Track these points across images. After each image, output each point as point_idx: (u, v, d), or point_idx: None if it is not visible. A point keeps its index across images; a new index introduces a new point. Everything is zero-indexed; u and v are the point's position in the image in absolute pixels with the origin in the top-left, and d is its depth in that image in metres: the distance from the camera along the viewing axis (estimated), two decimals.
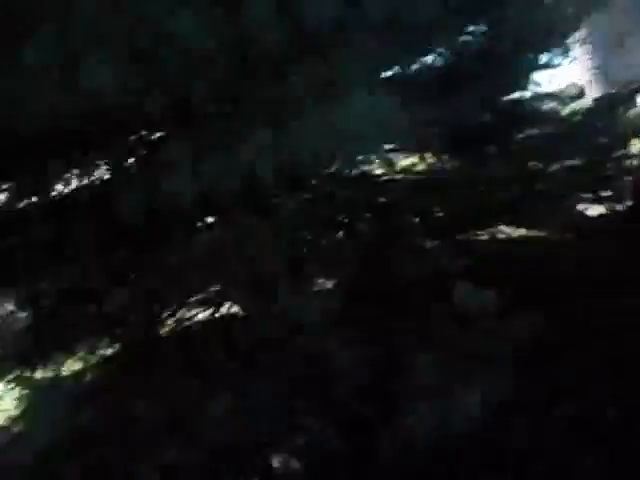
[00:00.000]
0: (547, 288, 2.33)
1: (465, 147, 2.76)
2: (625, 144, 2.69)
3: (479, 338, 1.56)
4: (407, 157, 2.71)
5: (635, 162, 2.68)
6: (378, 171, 2.58)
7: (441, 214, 2.35)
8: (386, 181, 2.48)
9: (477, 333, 1.55)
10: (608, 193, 2.70)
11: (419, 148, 2.46)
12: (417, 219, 2.18)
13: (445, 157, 2.80)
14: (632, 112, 2.87)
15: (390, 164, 2.46)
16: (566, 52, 2.49)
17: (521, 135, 2.53)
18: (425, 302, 1.77)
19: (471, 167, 2.65)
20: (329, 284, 2.27)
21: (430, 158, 2.81)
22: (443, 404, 1.19)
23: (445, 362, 1.40)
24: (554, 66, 2.56)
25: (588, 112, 2.57)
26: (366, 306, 1.94)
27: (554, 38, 2.26)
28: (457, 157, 2.73)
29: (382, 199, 2.21)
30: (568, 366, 1.86)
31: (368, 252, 2.07)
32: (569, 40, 2.50)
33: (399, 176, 2.54)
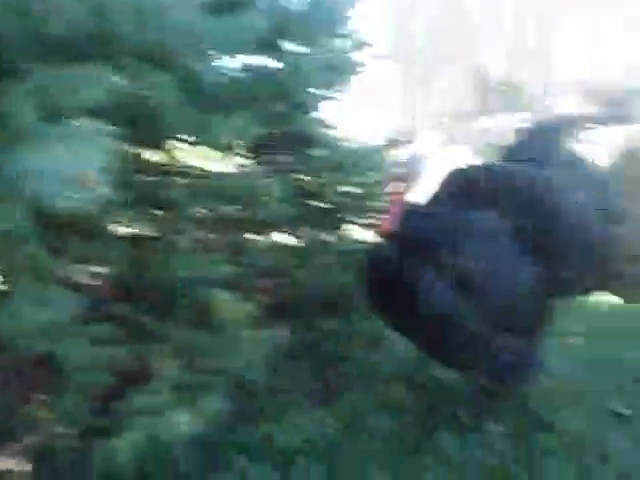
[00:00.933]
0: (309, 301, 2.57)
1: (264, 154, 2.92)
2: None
3: (227, 347, 1.63)
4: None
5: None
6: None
7: (217, 218, 2.38)
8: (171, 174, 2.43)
9: (226, 342, 1.62)
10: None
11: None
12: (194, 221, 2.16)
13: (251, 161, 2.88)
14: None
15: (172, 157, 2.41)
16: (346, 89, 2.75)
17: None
18: (180, 309, 1.77)
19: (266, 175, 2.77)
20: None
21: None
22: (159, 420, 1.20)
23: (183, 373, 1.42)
24: (336, 99, 2.82)
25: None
26: (125, 307, 1.86)
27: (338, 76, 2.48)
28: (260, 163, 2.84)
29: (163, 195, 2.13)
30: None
31: (135, 251, 1.99)
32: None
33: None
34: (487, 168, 1.85)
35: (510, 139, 1.95)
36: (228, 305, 1.77)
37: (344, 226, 3.16)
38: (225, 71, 1.95)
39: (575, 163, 1.76)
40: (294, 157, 2.89)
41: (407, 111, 18.65)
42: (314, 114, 2.93)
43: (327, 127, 3.05)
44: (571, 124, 1.89)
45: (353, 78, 2.87)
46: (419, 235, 1.57)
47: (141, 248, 1.90)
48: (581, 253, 1.64)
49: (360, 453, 1.67)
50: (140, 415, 1.19)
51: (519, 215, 1.58)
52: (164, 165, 2.44)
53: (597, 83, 17.84)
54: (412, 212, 1.61)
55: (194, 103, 1.80)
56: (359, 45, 2.82)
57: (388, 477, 1.55)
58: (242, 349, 1.60)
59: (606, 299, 2.55)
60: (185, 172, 2.44)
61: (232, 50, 1.83)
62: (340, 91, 2.86)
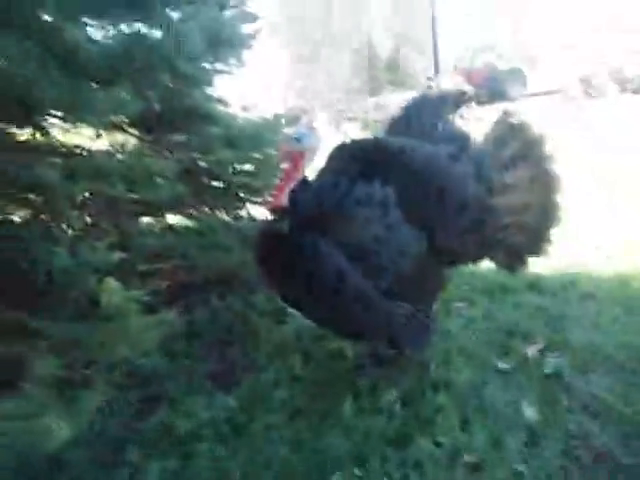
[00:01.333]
0: (198, 283, 2.50)
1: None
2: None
3: (115, 337, 1.53)
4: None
5: None
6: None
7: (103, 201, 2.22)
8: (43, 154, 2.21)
9: (113, 332, 1.52)
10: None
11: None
12: (72, 206, 1.98)
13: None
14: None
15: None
16: (240, 63, 2.67)
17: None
18: (59, 301, 1.63)
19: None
20: None
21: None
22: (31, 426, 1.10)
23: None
24: (229, 73, 2.73)
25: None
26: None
27: (229, 49, 2.40)
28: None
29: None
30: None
31: (5, 240, 1.79)
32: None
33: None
34: (372, 142, 1.88)
35: (395, 114, 2.02)
36: (116, 293, 1.67)
37: (241, 204, 3.11)
38: (98, 39, 1.80)
39: (456, 137, 1.85)
40: (187, 134, 2.77)
41: (298, 88, 18.75)
42: (207, 89, 2.82)
43: (221, 103, 2.96)
44: (452, 101, 1.99)
45: (245, 52, 2.80)
46: (309, 209, 1.58)
47: (11, 236, 1.72)
48: (463, 223, 1.72)
49: (263, 430, 1.68)
50: (10, 421, 1.07)
51: (404, 187, 1.63)
52: (38, 144, 2.22)
53: (478, 64, 18.97)
54: (300, 188, 1.61)
55: (67, 75, 1.64)
56: (250, 17, 2.75)
57: (290, 450, 1.58)
58: (132, 337, 1.51)
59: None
60: (63, 152, 2.24)
61: (101, 13, 1.67)
62: (234, 65, 2.79)
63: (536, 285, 2.60)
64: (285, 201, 1.59)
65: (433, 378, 1.86)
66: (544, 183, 1.79)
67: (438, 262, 1.80)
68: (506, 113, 1.91)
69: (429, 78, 18.39)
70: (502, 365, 1.91)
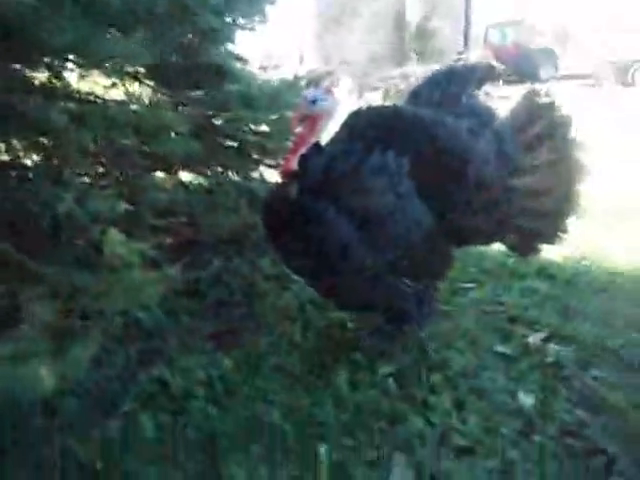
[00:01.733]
0: (205, 242, 2.48)
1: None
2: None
3: (116, 288, 1.52)
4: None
5: None
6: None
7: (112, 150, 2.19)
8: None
9: (114, 283, 1.51)
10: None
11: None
12: (82, 152, 1.95)
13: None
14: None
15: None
16: (262, 18, 2.58)
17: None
18: (63, 247, 1.63)
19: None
20: None
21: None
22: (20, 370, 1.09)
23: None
24: (251, 29, 2.65)
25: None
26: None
27: (251, 2, 2.31)
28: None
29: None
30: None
31: (12, 181, 1.78)
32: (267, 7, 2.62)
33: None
34: (391, 109, 1.82)
35: (417, 84, 1.95)
36: (119, 244, 1.65)
37: (254, 166, 3.07)
38: None
39: (479, 112, 1.77)
40: (204, 90, 2.71)
41: (324, 51, 18.37)
42: (228, 46, 2.74)
43: (241, 61, 2.88)
44: (480, 75, 1.90)
45: (268, 9, 2.71)
46: (320, 175, 1.54)
47: (18, 178, 1.70)
48: (478, 202, 1.65)
49: (256, 394, 1.68)
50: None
51: (420, 158, 1.57)
52: (52, 88, 2.18)
53: (509, 41, 18.36)
54: (312, 152, 1.56)
55: (84, 18, 1.58)
56: None
57: (281, 415, 1.58)
58: (132, 290, 1.50)
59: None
60: (76, 97, 2.20)
61: None
62: (256, 21, 2.70)
63: (547, 272, 2.55)
64: (296, 165, 1.54)
65: (431, 358, 1.84)
66: (567, 168, 1.72)
67: (447, 240, 1.75)
68: (533, 91, 1.82)
69: (459, 52, 17.90)
70: (502, 350, 1.89)
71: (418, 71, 11.80)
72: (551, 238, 1.79)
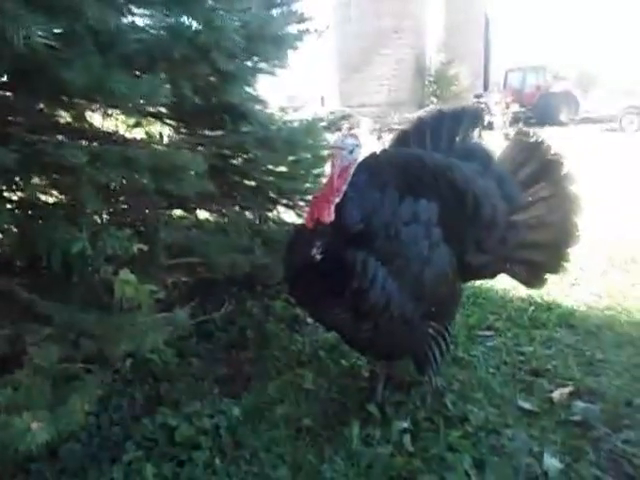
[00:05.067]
0: (218, 282, 2.45)
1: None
2: (322, 163, 3.00)
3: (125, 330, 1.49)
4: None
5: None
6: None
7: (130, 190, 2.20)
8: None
9: (123, 325, 1.48)
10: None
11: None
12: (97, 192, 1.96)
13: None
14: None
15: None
16: (283, 63, 2.62)
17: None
18: (80, 286, 1.61)
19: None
20: None
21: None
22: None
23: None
24: (272, 73, 2.69)
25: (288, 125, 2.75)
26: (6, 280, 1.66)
27: (272, 48, 2.35)
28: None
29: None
30: None
31: (26, 219, 1.79)
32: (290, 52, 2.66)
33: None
34: (416, 156, 1.81)
35: (407, 127, 1.97)
36: (131, 285, 1.63)
37: (271, 206, 3.06)
38: (140, 27, 1.78)
39: (475, 154, 1.82)
40: (222, 131, 2.74)
41: (343, 95, 18.77)
42: (247, 88, 2.78)
43: (260, 102, 2.92)
44: (471, 117, 1.92)
45: (291, 53, 2.75)
46: (357, 225, 1.52)
47: (34, 216, 1.71)
48: (492, 240, 1.71)
49: (265, 445, 1.61)
50: None
51: (443, 204, 1.61)
52: (72, 127, 2.22)
53: (530, 85, 18.52)
54: (348, 202, 1.52)
55: (103, 61, 1.62)
56: (297, 17, 2.70)
57: (289, 470, 1.50)
58: (140, 332, 1.46)
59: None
60: (94, 136, 2.23)
61: (142, 2, 1.64)
62: (277, 66, 2.74)
63: (569, 322, 2.45)
64: (331, 215, 1.51)
65: (449, 411, 1.74)
66: (562, 202, 1.81)
67: (461, 278, 1.79)
68: (522, 132, 1.94)
69: (477, 95, 18.12)
70: (525, 405, 1.78)
71: None
72: (555, 268, 1.84)
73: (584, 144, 10.59)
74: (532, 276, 1.88)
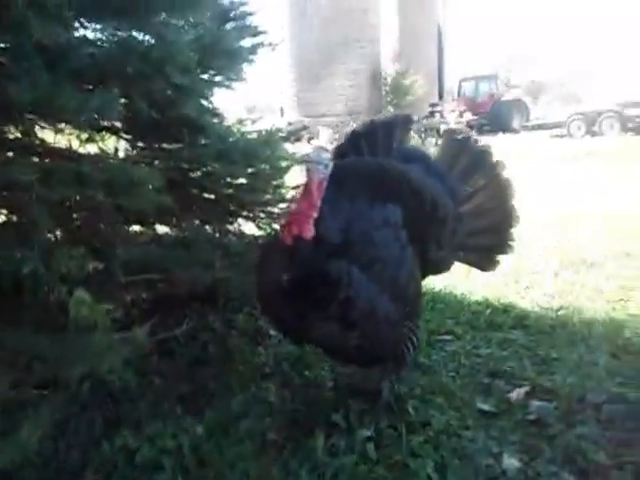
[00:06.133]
0: (178, 298, 2.42)
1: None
2: (282, 174, 3.01)
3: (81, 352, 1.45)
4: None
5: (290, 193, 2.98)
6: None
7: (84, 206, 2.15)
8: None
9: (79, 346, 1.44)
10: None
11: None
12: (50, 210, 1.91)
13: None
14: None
15: None
16: (239, 76, 2.63)
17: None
18: (32, 308, 1.56)
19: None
20: None
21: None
22: None
23: None
24: (228, 87, 2.69)
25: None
26: None
27: (227, 61, 2.35)
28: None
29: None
30: None
31: None
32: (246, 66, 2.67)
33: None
34: (376, 164, 1.87)
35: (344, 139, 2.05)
36: (86, 305, 1.59)
37: (231, 219, 3.04)
38: (90, 40, 1.75)
39: (413, 157, 1.93)
40: (178, 144, 2.72)
41: (303, 105, 18.88)
42: (203, 101, 2.77)
43: (217, 115, 2.91)
44: (401, 124, 2.02)
45: (245, 66, 2.76)
46: (337, 237, 1.55)
47: None
48: (447, 232, 1.83)
49: (229, 462, 1.59)
50: None
51: (405, 207, 1.68)
52: (22, 143, 2.15)
53: (482, 93, 19.11)
54: (325, 215, 1.54)
55: (53, 76, 1.58)
56: (251, 31, 2.71)
57: None
58: (96, 354, 1.42)
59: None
60: (45, 152, 2.17)
61: (97, 17, 1.62)
62: (233, 79, 2.74)
63: (524, 323, 2.53)
64: (312, 230, 1.51)
65: (411, 417, 1.77)
66: (498, 188, 1.97)
67: (423, 276, 1.88)
68: (451, 131, 2.15)
69: (433, 104, 18.58)
70: (484, 407, 1.83)
71: None
72: (503, 248, 1.99)
73: (534, 149, 11.02)
74: (484, 260, 2.05)
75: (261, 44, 2.65)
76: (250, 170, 2.89)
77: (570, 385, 1.93)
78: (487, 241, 2.03)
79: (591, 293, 2.86)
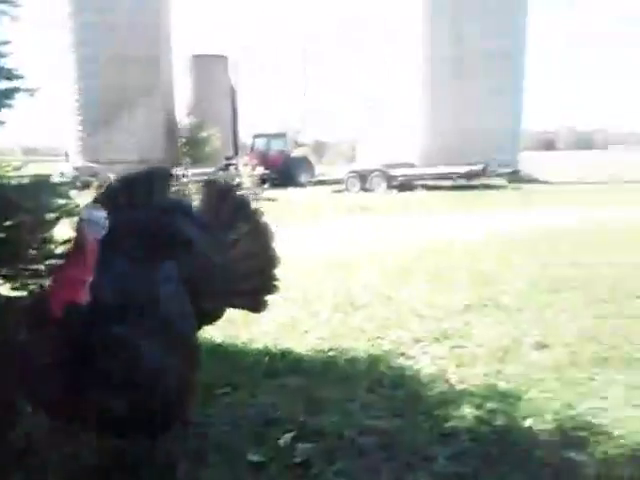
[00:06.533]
0: None
1: None
2: (50, 227, 2.70)
3: None
4: None
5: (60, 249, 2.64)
6: None
7: None
8: None
9: None
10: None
11: None
12: None
13: None
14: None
15: None
16: None
17: None
18: None
19: None
20: None
21: None
22: None
23: None
24: None
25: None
26: None
27: None
28: None
29: None
30: None
31: None
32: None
33: None
34: (153, 220, 1.84)
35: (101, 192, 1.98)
36: None
37: None
38: None
39: (174, 207, 1.95)
40: None
41: (89, 150, 17.76)
42: None
43: None
44: (162, 176, 2.05)
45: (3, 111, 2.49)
46: (111, 299, 1.47)
47: None
48: (217, 280, 1.87)
49: None
50: None
51: (180, 262, 1.70)
52: None
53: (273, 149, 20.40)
54: (100, 277, 1.44)
55: None
56: (7, 74, 2.48)
57: None
58: None
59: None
60: None
61: None
62: None
63: (299, 366, 2.68)
64: (87, 295, 1.38)
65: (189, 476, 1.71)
66: (259, 233, 2.07)
67: (198, 326, 1.86)
68: (212, 181, 2.21)
69: (228, 157, 19.20)
70: (254, 458, 1.87)
71: (190, 172, 12.28)
72: (269, 289, 2.07)
73: (318, 202, 12.13)
74: (254, 302, 2.11)
75: (17, 89, 2.43)
76: (8, 223, 2.56)
77: (332, 423, 2.10)
78: (254, 284, 2.09)
79: (356, 333, 3.20)
